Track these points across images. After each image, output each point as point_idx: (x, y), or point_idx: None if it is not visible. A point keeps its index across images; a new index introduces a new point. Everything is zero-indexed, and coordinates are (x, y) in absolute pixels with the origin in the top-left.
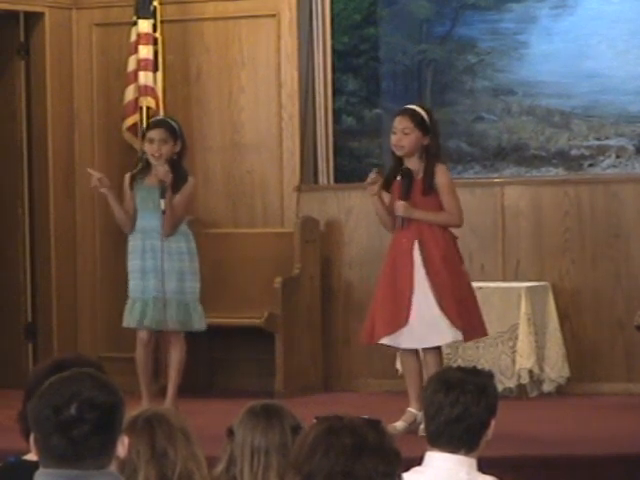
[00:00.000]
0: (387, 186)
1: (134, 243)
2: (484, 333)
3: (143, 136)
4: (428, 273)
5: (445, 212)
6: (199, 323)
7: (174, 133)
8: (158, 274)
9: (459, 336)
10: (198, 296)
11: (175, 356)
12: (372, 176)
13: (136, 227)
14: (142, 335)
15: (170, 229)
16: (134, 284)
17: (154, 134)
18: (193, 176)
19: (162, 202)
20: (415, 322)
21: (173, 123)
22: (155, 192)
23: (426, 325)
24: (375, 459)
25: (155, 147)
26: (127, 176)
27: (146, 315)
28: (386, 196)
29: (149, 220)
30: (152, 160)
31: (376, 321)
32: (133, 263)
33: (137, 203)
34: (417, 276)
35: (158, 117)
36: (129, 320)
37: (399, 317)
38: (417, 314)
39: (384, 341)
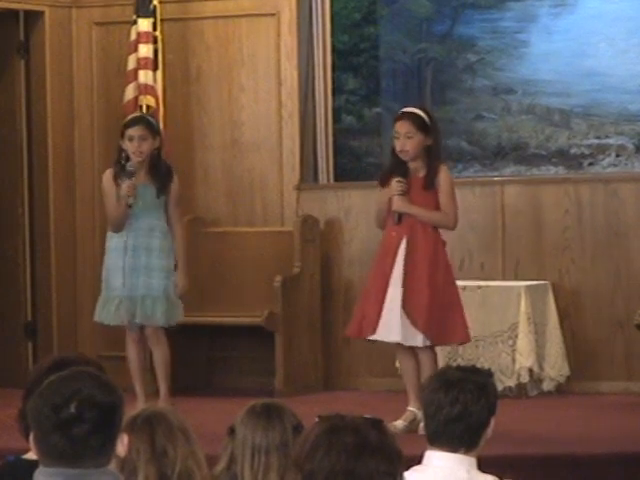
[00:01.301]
0: (384, 182)
1: (120, 240)
2: (463, 340)
3: (122, 134)
4: (405, 273)
5: (441, 212)
6: (179, 318)
7: (152, 129)
8: (147, 271)
9: (419, 341)
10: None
11: (161, 353)
12: (402, 187)
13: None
14: (133, 333)
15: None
16: (119, 281)
17: (133, 132)
18: (175, 174)
19: (130, 199)
20: (383, 316)
21: (150, 119)
22: (139, 190)
23: (391, 321)
24: (376, 458)
25: (135, 144)
26: (108, 173)
27: (137, 313)
28: (386, 193)
29: (136, 218)
30: (133, 158)
31: (365, 316)
32: (119, 261)
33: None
34: (395, 274)
35: (135, 114)
36: (116, 318)
37: (379, 315)
38: (385, 309)
39: (372, 337)
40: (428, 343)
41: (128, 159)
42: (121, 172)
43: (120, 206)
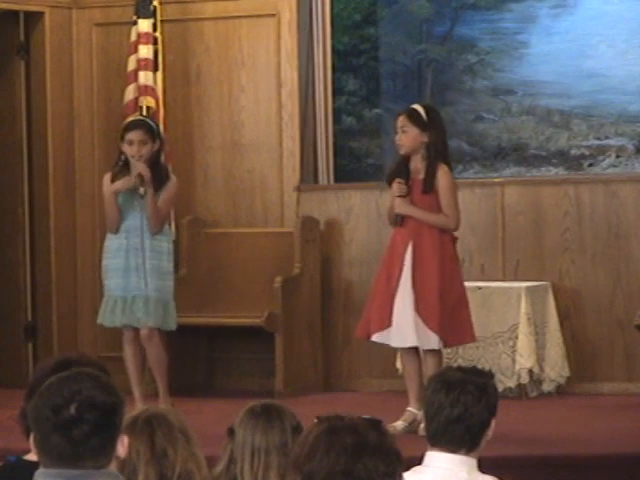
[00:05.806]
0: (390, 183)
1: (118, 241)
2: (471, 339)
3: (122, 137)
4: (414, 277)
5: (442, 214)
6: (173, 323)
7: (152, 133)
8: (140, 272)
9: (434, 343)
10: (173, 296)
11: (154, 353)
12: (403, 189)
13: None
14: (129, 333)
15: (157, 226)
16: (115, 282)
17: (133, 136)
18: (175, 175)
19: (141, 190)
20: (395, 322)
21: (151, 122)
22: (135, 191)
23: (405, 326)
24: (376, 459)
25: (135, 149)
26: (107, 177)
27: (129, 313)
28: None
29: (132, 219)
30: (132, 161)
31: (370, 318)
32: (115, 262)
33: (119, 203)
34: (403, 278)
35: (135, 118)
36: (111, 319)
37: (386, 317)
38: (396, 315)
39: (375, 339)
40: (442, 345)
41: (127, 162)
42: (120, 174)
43: (116, 207)
